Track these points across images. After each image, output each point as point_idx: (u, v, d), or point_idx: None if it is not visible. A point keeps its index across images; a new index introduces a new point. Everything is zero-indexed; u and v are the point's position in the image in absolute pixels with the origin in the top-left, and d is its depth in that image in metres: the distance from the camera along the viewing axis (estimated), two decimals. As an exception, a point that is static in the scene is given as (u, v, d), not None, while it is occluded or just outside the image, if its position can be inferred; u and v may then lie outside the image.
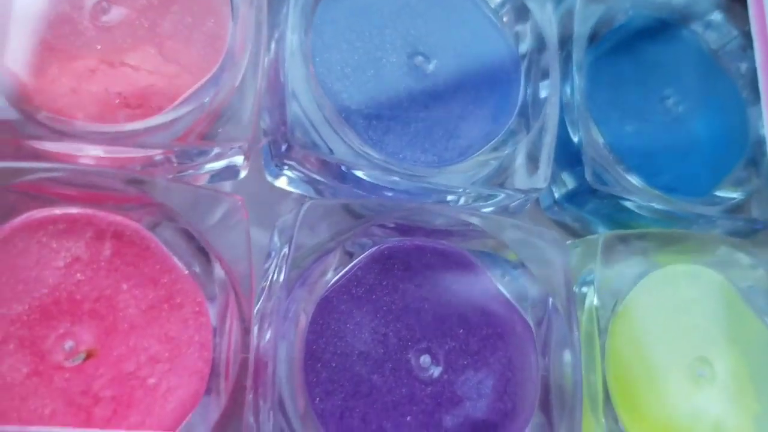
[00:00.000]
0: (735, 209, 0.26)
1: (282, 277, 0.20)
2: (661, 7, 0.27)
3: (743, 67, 0.28)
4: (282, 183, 0.23)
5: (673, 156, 0.26)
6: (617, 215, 0.25)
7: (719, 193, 0.26)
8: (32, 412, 0.17)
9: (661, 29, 0.27)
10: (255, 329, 0.20)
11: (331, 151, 0.22)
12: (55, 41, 0.20)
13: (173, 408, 0.19)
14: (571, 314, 0.22)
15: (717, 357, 0.24)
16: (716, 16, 0.28)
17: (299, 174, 0.22)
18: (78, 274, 0.19)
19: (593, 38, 0.26)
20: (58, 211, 0.19)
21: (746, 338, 0.25)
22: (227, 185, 0.24)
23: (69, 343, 0.18)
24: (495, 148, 0.23)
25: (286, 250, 0.20)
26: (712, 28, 0.28)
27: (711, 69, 0.27)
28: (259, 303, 0.20)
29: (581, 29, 0.25)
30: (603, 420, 0.21)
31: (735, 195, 0.26)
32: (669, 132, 0.26)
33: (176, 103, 0.21)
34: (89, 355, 0.18)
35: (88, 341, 0.18)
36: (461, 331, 0.21)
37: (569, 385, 0.21)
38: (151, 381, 0.19)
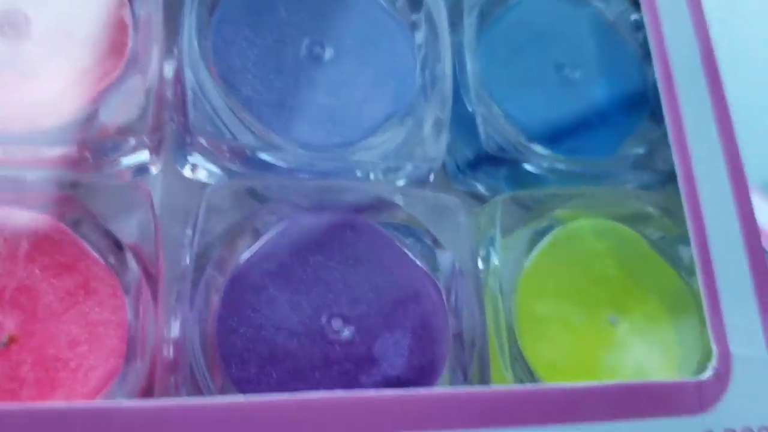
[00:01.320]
0: (641, 165, 0.28)
1: (188, 260, 0.22)
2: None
3: (640, 36, 0.30)
4: (201, 175, 0.24)
5: (574, 122, 0.28)
6: (524, 181, 0.27)
7: (623, 151, 0.28)
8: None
9: (556, 4, 0.29)
10: (169, 313, 0.22)
11: (234, 137, 0.24)
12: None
13: (94, 387, 0.20)
14: (477, 276, 0.24)
15: (631, 306, 0.26)
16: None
17: (211, 166, 0.24)
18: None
19: (487, 14, 0.28)
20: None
21: (661, 287, 0.26)
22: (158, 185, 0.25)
23: (-10, 331, 0.20)
24: (395, 126, 0.25)
25: (190, 232, 0.22)
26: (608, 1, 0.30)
27: (608, 38, 0.29)
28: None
29: (470, 13, 0.27)
30: (510, 370, 0.24)
31: (639, 150, 0.28)
32: (568, 99, 0.28)
33: (83, 103, 0.22)
34: (11, 341, 0.20)
35: (10, 328, 0.20)
36: (372, 296, 0.23)
37: (478, 340, 0.24)
38: (72, 363, 0.20)
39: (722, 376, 0.24)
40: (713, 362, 0.24)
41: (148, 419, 0.18)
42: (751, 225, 0.26)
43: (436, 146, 0.25)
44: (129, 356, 0.21)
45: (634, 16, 0.29)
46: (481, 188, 0.27)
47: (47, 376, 0.20)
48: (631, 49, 0.29)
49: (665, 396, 0.23)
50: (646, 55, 0.28)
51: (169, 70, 0.25)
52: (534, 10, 0.29)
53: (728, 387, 0.24)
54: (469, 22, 0.27)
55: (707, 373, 0.24)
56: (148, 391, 0.21)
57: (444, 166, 0.27)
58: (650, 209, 0.27)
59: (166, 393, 0.22)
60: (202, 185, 0.24)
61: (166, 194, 0.25)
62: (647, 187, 0.28)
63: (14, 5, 0.23)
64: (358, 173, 0.25)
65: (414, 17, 0.27)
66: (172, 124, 0.24)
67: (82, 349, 0.20)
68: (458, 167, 0.27)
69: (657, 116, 0.28)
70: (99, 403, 0.19)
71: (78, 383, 0.20)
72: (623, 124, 0.28)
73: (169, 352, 0.22)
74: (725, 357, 0.24)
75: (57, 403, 0.19)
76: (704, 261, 0.25)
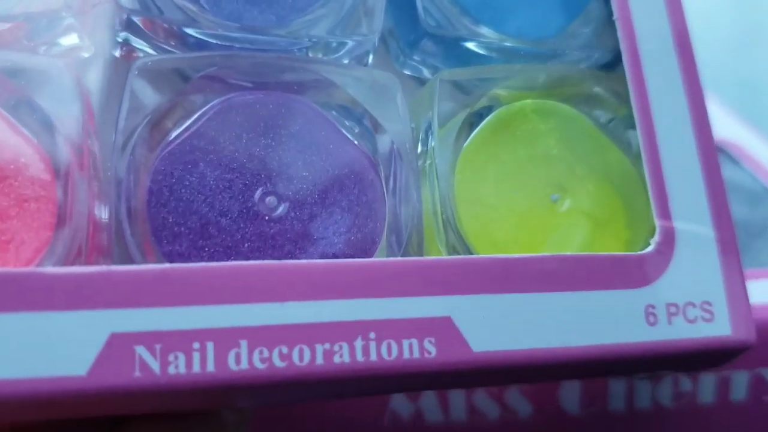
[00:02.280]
0: (590, 44, 0.28)
1: (115, 137, 0.22)
2: None
3: None
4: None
5: (521, 2, 0.27)
6: (468, 63, 0.27)
7: (572, 30, 0.28)
8: None
9: None
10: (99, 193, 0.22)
11: (162, 13, 0.23)
12: None
13: (27, 259, 0.20)
14: (412, 155, 0.24)
15: (576, 185, 0.26)
16: None
17: (144, 46, 0.24)
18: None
19: None
20: None
21: (607, 167, 0.27)
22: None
23: None
24: (331, 1, 0.25)
25: (119, 111, 0.22)
26: None
27: None
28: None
29: None
30: (444, 246, 0.24)
31: (585, 30, 0.28)
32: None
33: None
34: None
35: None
36: (307, 174, 0.23)
37: (414, 218, 0.24)
38: (3, 237, 0.20)
39: (665, 251, 0.24)
40: (656, 237, 0.24)
41: (76, 284, 0.19)
42: (700, 103, 0.26)
43: (373, 22, 0.24)
44: (59, 229, 0.21)
45: None
46: (424, 71, 0.27)
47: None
48: None
49: (607, 269, 0.24)
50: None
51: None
52: None
53: (671, 262, 0.24)
54: None
55: (650, 248, 0.24)
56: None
57: (386, 46, 0.27)
58: (598, 90, 0.27)
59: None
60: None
61: (102, 78, 0.24)
62: (598, 67, 0.27)
63: None
64: (296, 51, 0.24)
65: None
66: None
67: (13, 223, 0.21)
68: (399, 48, 0.27)
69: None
70: (28, 269, 0.19)
71: (10, 255, 0.20)
72: (572, 3, 0.28)
73: (99, 233, 0.22)
74: (668, 232, 0.24)
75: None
76: (649, 138, 0.25)
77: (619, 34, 0.26)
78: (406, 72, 0.27)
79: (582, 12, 0.28)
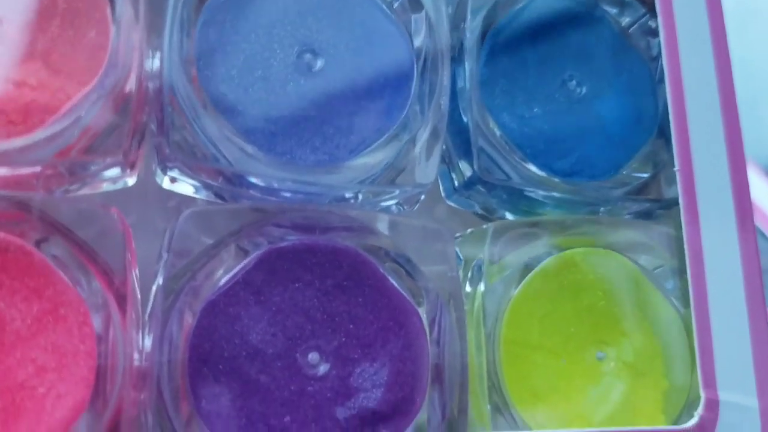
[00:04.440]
0: (644, 188, 0.28)
1: (161, 282, 0.22)
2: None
3: (653, 43, 0.29)
4: (180, 188, 0.24)
5: (576, 138, 0.27)
6: (520, 202, 0.27)
7: (627, 173, 0.28)
8: None
9: (564, 10, 0.28)
10: (140, 336, 0.22)
11: (216, 150, 0.23)
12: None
13: (62, 416, 0.20)
14: (459, 305, 0.24)
15: (620, 339, 0.26)
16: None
17: (191, 180, 0.23)
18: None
19: (492, 18, 0.27)
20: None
21: (651, 317, 0.27)
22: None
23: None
24: (387, 143, 0.25)
25: (165, 256, 0.22)
26: (622, 6, 0.29)
27: (619, 48, 0.29)
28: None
29: (474, 16, 0.26)
30: (488, 406, 0.24)
31: (644, 174, 0.28)
32: (572, 114, 0.27)
33: (57, 115, 0.22)
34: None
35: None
36: (351, 326, 0.23)
37: (457, 371, 0.24)
38: (40, 390, 0.20)
39: (708, 425, 0.24)
40: (700, 409, 0.24)
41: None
42: (753, 258, 0.26)
43: (426, 169, 0.24)
44: (97, 386, 0.21)
45: (650, 23, 0.29)
46: (476, 206, 0.27)
47: (14, 404, 0.20)
48: (644, 61, 0.29)
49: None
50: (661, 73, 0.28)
51: (151, 73, 0.24)
52: (542, 15, 0.28)
53: (714, 434, 0.24)
54: (473, 26, 0.27)
55: (693, 420, 0.24)
56: (115, 418, 0.21)
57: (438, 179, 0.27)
58: (647, 239, 0.27)
59: (133, 417, 0.22)
60: (180, 197, 0.24)
61: (143, 204, 0.24)
62: (647, 215, 0.27)
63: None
64: (346, 194, 0.24)
65: (414, 17, 0.27)
66: (152, 133, 0.24)
67: (51, 376, 0.21)
68: (452, 186, 0.27)
69: (665, 139, 0.28)
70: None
71: (45, 412, 0.20)
72: (628, 143, 0.28)
73: (141, 361, 0.22)
74: (712, 404, 0.24)
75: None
76: (699, 298, 0.25)
77: (679, 187, 0.26)
78: (454, 204, 0.27)
79: (638, 151, 0.28)
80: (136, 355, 0.22)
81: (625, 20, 0.29)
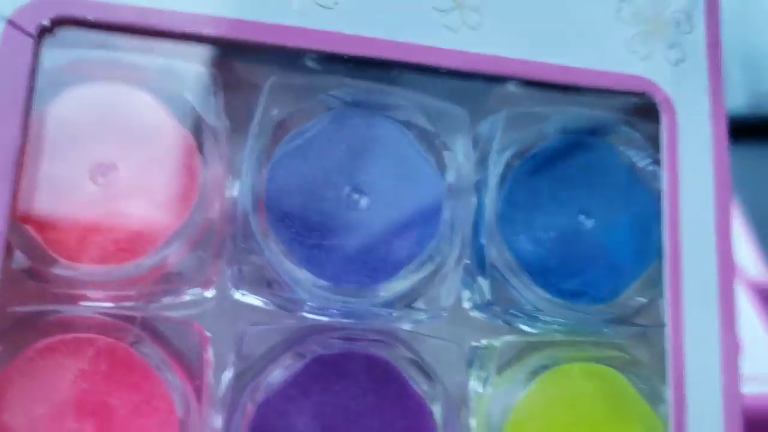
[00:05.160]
0: (642, 312, 0.33)
1: (230, 377, 0.28)
2: (581, 129, 0.33)
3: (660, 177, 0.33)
4: (250, 299, 0.30)
5: (582, 263, 0.32)
6: (533, 322, 0.32)
7: (626, 297, 0.33)
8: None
9: (579, 147, 0.33)
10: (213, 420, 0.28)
11: (278, 275, 0.29)
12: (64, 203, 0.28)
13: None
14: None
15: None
16: (631, 134, 0.33)
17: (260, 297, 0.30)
18: (82, 384, 0.27)
19: (515, 156, 0.32)
20: (69, 336, 0.27)
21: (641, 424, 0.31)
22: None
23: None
24: (418, 268, 0.30)
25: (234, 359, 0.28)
26: (629, 144, 0.33)
27: (627, 181, 0.33)
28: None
29: (498, 159, 0.31)
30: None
31: (642, 298, 0.33)
32: (580, 242, 0.32)
33: (161, 244, 0.28)
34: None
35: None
36: (376, 423, 0.29)
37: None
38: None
39: None
40: None
41: None
42: (735, 390, 0.30)
43: (447, 294, 0.30)
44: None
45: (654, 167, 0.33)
46: (498, 320, 0.32)
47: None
48: (651, 195, 0.33)
49: None
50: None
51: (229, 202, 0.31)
52: (557, 154, 0.33)
53: None
54: (497, 165, 0.32)
55: None
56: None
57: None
58: (640, 356, 0.31)
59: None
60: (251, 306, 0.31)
61: (218, 313, 0.31)
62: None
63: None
64: (382, 312, 0.30)
65: (446, 154, 0.32)
66: (228, 256, 0.30)
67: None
68: (477, 304, 0.32)
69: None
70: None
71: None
72: (631, 270, 0.32)
73: None
74: None
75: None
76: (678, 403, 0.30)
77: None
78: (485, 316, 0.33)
79: (638, 279, 0.32)
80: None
81: (635, 157, 0.34)
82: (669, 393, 0.30)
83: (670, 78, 0.32)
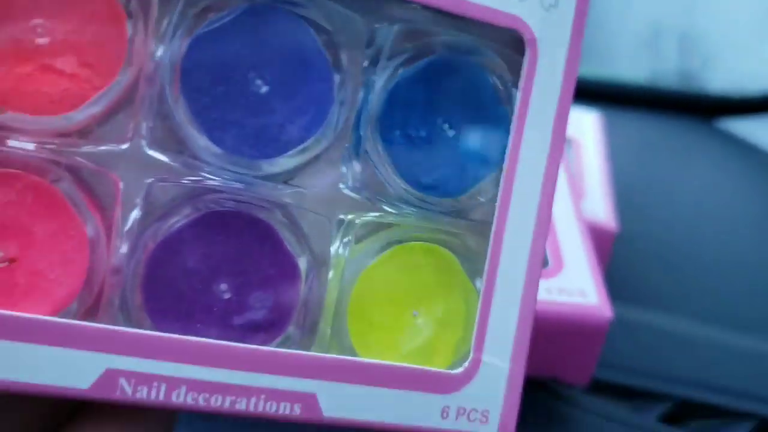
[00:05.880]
0: (479, 209, 0.40)
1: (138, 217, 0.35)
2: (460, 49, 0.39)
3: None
4: (161, 157, 0.36)
5: (439, 162, 0.39)
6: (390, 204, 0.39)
7: (469, 196, 0.40)
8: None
9: (456, 65, 0.39)
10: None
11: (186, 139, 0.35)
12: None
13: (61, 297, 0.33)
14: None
15: (431, 303, 0.40)
16: (499, 61, 0.39)
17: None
18: (9, 212, 0.32)
19: (397, 69, 0.38)
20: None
21: (462, 292, 0.40)
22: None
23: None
24: (303, 150, 0.37)
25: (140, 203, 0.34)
26: (496, 68, 0.40)
27: (489, 100, 0.40)
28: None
29: (386, 64, 0.37)
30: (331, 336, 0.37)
31: (481, 198, 0.40)
32: (441, 145, 0.39)
33: (87, 103, 0.33)
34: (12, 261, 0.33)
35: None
36: (252, 269, 0.36)
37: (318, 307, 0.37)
38: (51, 277, 0.33)
39: (470, 373, 0.38)
40: (467, 363, 0.38)
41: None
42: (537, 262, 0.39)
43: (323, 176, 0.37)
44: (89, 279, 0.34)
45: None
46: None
47: (29, 284, 0.33)
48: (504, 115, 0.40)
49: (425, 378, 0.37)
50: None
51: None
52: (439, 67, 0.39)
53: (471, 381, 0.38)
54: (385, 66, 0.38)
55: (459, 370, 0.38)
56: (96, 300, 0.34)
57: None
58: (472, 243, 0.39)
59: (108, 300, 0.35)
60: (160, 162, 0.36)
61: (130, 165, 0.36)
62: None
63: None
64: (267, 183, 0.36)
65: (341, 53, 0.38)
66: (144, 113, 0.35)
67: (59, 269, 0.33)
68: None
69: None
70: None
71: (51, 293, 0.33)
72: (476, 174, 0.40)
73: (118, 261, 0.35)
74: (476, 361, 0.38)
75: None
76: (489, 279, 0.38)
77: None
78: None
79: (482, 181, 0.40)
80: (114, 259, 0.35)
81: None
82: (485, 272, 0.38)
83: (539, 20, 0.38)
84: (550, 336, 0.58)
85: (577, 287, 0.60)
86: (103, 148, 0.35)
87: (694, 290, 0.88)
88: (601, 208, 0.77)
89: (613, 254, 0.81)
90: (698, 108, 1.34)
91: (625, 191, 0.92)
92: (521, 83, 0.39)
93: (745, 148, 1.26)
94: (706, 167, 1.15)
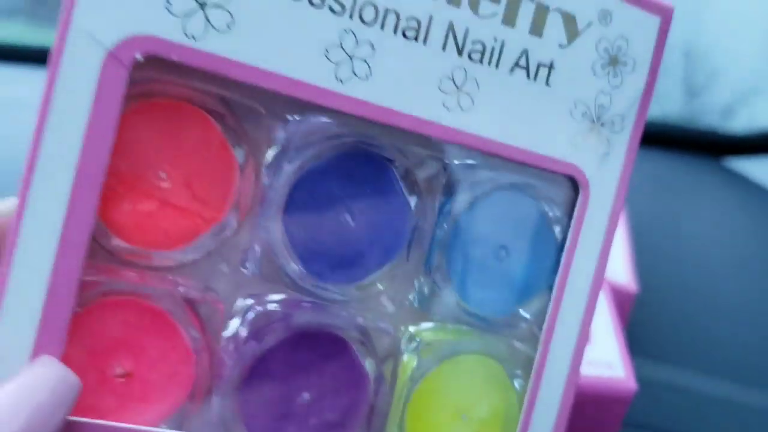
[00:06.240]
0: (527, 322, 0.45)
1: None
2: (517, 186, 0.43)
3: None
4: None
5: (494, 284, 0.44)
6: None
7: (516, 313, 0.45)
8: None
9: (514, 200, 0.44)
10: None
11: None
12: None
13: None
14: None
15: (477, 409, 0.45)
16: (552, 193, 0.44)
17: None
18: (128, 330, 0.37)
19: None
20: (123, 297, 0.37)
21: (498, 394, 0.45)
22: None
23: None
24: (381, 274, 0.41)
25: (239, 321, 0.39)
26: (548, 199, 0.44)
27: (540, 225, 0.45)
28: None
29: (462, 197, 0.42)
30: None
31: (527, 315, 0.45)
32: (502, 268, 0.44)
33: (200, 238, 0.38)
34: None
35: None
36: (328, 382, 0.41)
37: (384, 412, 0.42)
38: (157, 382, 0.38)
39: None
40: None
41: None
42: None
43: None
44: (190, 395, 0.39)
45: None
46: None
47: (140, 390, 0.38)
48: (552, 238, 0.45)
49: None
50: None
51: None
52: (508, 203, 0.43)
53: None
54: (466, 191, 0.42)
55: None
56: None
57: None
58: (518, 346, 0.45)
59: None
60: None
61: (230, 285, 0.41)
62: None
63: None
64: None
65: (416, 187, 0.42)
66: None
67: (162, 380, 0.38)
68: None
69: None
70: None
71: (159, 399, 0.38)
72: (527, 291, 0.45)
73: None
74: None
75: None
76: (535, 384, 0.43)
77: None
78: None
79: (534, 297, 0.45)
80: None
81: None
82: (531, 378, 0.43)
83: (594, 168, 0.43)
84: (578, 405, 0.64)
85: (605, 360, 0.65)
86: (206, 272, 0.40)
87: (707, 344, 0.87)
88: (622, 270, 0.80)
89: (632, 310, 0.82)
90: (706, 146, 1.37)
91: (639, 238, 0.94)
92: (574, 218, 0.44)
93: (753, 189, 1.29)
94: (714, 208, 1.18)
